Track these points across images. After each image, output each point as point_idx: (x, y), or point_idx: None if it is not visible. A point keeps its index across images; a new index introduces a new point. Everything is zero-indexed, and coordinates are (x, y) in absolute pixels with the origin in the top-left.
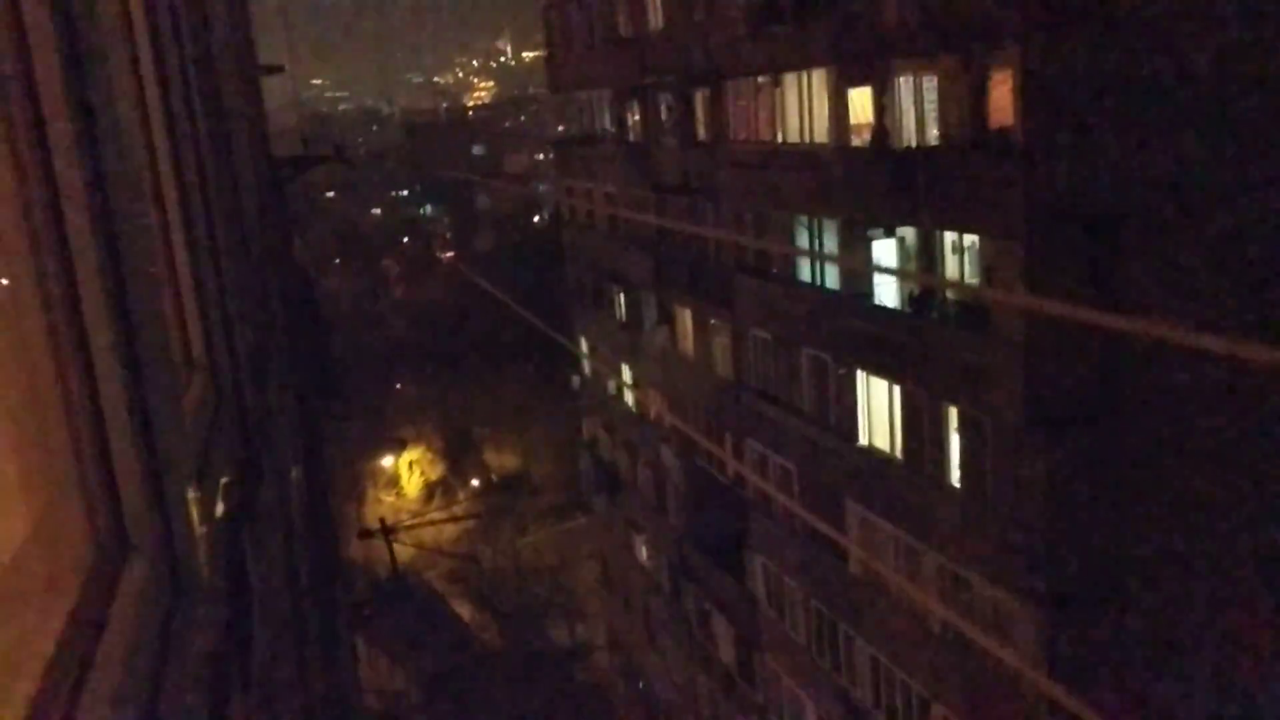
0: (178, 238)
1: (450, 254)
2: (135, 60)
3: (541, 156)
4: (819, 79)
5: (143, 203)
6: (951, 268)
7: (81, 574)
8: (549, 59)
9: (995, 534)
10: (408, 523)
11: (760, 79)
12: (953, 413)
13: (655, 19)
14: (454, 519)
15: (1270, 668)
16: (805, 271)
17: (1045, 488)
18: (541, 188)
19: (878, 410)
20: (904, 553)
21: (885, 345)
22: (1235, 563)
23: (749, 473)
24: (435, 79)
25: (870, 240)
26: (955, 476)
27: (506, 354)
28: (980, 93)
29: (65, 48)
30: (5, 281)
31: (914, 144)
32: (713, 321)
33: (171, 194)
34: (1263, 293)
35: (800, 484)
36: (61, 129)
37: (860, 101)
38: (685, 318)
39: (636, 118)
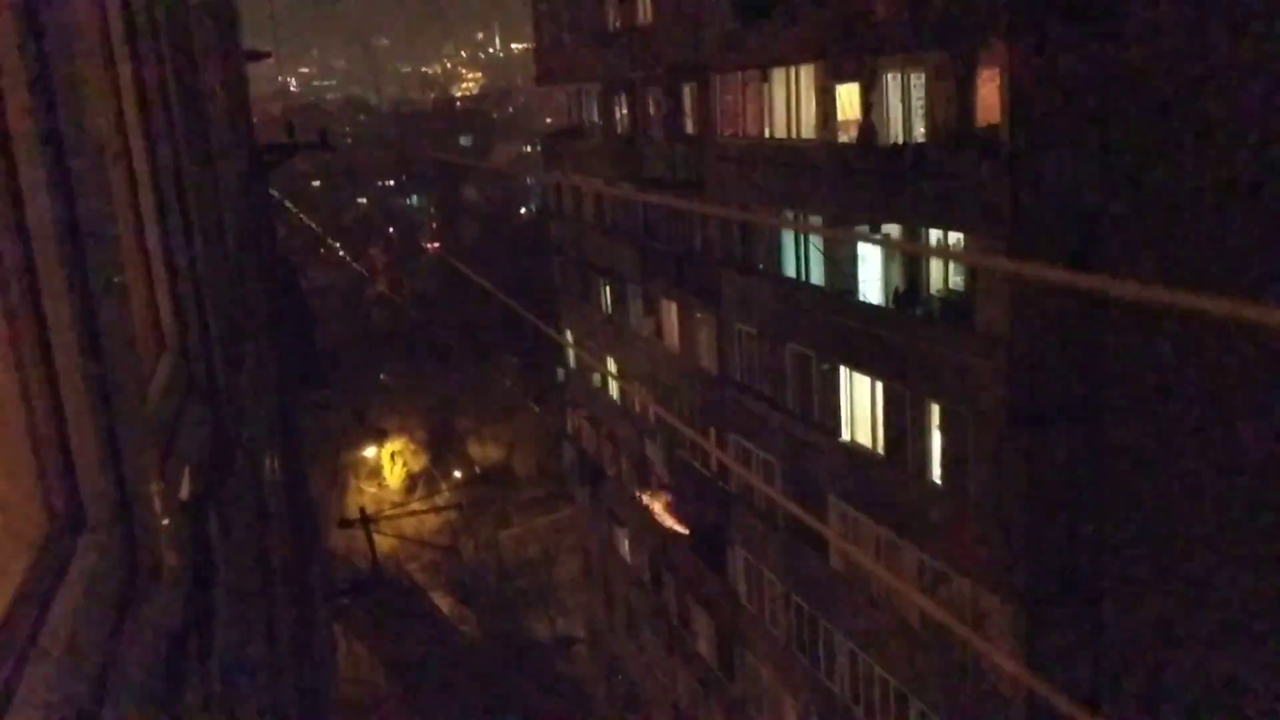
0: (150, 214)
1: (436, 244)
2: (105, 30)
3: (529, 149)
4: (806, 74)
5: (101, 170)
6: (935, 266)
7: (32, 552)
8: (537, 51)
9: (976, 530)
10: (388, 513)
11: (748, 74)
12: (935, 409)
13: (644, 13)
14: (435, 509)
15: (1250, 662)
16: (790, 267)
17: (1026, 485)
18: (529, 180)
19: (860, 406)
20: (884, 548)
21: (869, 341)
22: (1219, 560)
23: (733, 464)
24: (423, 69)
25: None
26: (937, 473)
27: (491, 346)
28: (967, 90)
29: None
30: None
31: (901, 140)
32: (698, 315)
33: (143, 167)
34: (1248, 292)
35: (782, 479)
36: (13, 81)
37: (848, 98)
38: (670, 311)
39: (624, 111)
